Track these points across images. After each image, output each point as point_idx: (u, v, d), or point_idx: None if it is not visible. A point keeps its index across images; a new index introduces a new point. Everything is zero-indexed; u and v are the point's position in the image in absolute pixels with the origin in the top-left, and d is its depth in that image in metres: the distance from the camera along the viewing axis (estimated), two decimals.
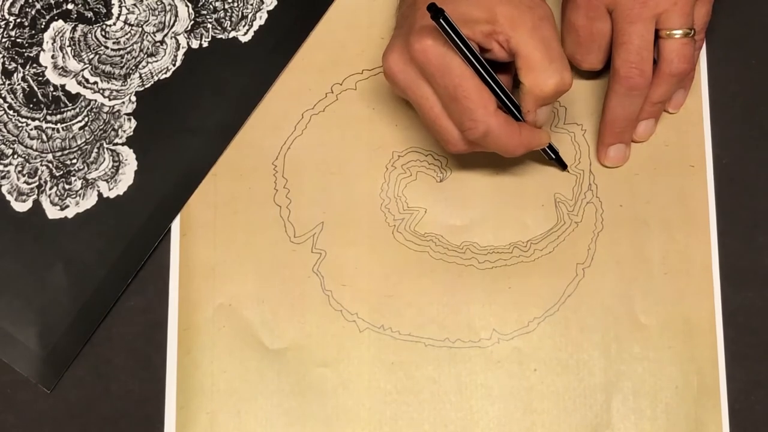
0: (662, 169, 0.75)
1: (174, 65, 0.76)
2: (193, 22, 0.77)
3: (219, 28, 0.77)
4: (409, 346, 0.73)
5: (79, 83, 0.76)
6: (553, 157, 0.74)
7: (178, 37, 0.77)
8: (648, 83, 0.71)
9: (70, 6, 0.77)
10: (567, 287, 0.73)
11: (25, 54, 0.76)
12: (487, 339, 0.73)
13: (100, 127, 0.75)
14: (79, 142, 0.75)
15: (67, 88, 0.76)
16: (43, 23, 0.77)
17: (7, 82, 0.76)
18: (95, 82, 0.76)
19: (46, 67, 0.76)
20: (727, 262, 0.74)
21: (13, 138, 0.75)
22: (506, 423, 0.72)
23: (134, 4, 0.77)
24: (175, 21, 0.77)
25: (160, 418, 0.72)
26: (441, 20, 0.64)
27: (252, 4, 0.77)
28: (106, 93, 0.76)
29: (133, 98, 0.76)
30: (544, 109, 0.68)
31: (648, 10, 0.69)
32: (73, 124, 0.75)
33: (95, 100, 0.76)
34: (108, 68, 0.76)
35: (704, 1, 0.72)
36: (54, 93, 0.76)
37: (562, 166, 0.75)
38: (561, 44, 0.72)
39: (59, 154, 0.75)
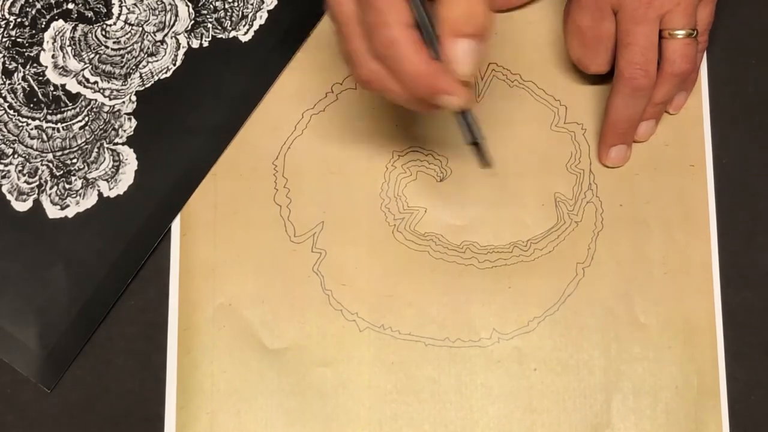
0: (662, 169, 0.75)
1: (174, 65, 0.76)
2: (193, 21, 0.77)
3: (219, 27, 0.77)
4: (409, 345, 0.73)
5: (80, 83, 0.76)
6: (468, 135, 0.65)
7: (178, 36, 0.77)
8: (653, 84, 0.71)
9: (70, 6, 0.77)
10: (567, 287, 0.73)
11: (26, 53, 0.76)
12: (487, 339, 0.73)
13: (101, 127, 0.75)
14: (79, 142, 0.75)
15: (67, 87, 0.76)
16: (44, 23, 0.77)
17: (8, 81, 0.76)
18: (95, 82, 0.76)
19: (46, 67, 0.76)
20: (727, 262, 0.74)
21: (14, 137, 0.75)
22: (506, 423, 0.72)
23: (134, 4, 0.77)
24: (175, 21, 0.77)
25: (160, 418, 0.72)
26: None
27: (252, 4, 0.77)
28: (107, 92, 0.76)
29: (134, 98, 0.76)
30: (464, 46, 0.60)
31: (653, 11, 0.69)
32: (74, 124, 0.75)
33: (95, 100, 0.76)
34: (108, 68, 0.76)
35: (707, 2, 0.71)
36: (54, 92, 0.76)
37: (481, 157, 0.67)
38: (567, 48, 0.73)
39: (59, 153, 0.75)
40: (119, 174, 0.75)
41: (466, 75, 0.61)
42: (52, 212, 0.74)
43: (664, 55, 0.71)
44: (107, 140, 0.75)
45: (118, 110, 0.76)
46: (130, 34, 0.77)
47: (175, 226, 0.74)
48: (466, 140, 0.65)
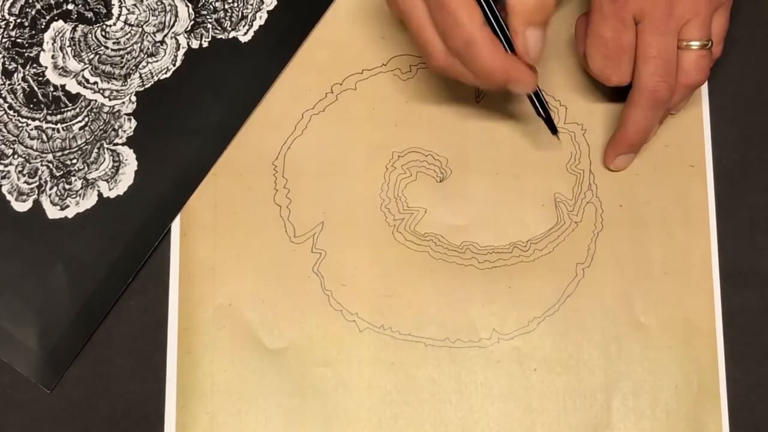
0: (662, 169, 0.75)
1: (174, 65, 0.76)
2: (193, 22, 0.77)
3: (219, 28, 0.77)
4: (409, 346, 0.73)
5: (80, 83, 0.76)
6: (541, 110, 0.72)
7: (178, 37, 0.77)
8: (673, 95, 0.71)
9: (70, 6, 0.77)
10: (567, 287, 0.73)
11: (26, 54, 0.76)
12: (487, 339, 0.73)
13: (101, 127, 0.75)
14: (79, 142, 0.75)
15: (67, 88, 0.76)
16: (44, 23, 0.77)
17: (8, 82, 0.76)
18: (95, 82, 0.76)
19: (46, 67, 0.76)
20: (727, 262, 0.74)
21: (14, 138, 0.75)
22: (506, 423, 0.72)
23: (134, 5, 0.77)
24: (175, 21, 0.77)
25: (160, 418, 0.72)
26: None
27: (252, 5, 0.77)
28: (107, 93, 0.76)
29: (134, 98, 0.76)
30: (534, 33, 0.67)
31: (674, 22, 0.69)
32: (74, 124, 0.75)
33: (95, 100, 0.76)
34: (108, 68, 0.76)
35: (722, 11, 0.71)
36: (54, 93, 0.76)
37: (552, 127, 0.73)
38: (586, 60, 0.72)
39: (59, 154, 0.75)
40: (119, 174, 0.75)
41: (537, 60, 0.68)
42: (52, 213, 0.74)
43: (679, 66, 0.70)
44: (107, 141, 0.75)
45: (118, 111, 0.76)
46: (129, 34, 0.77)
47: (175, 226, 0.74)
48: (539, 114, 0.72)
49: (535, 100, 0.71)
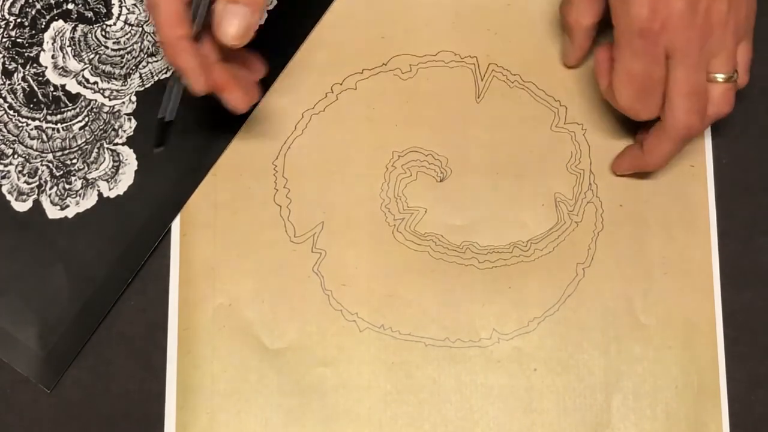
0: (662, 169, 0.75)
1: None
2: None
3: None
4: (409, 346, 0.73)
5: (80, 83, 0.76)
6: (164, 109, 0.67)
7: None
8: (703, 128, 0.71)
9: (70, 6, 0.77)
10: (567, 287, 0.73)
11: (26, 54, 0.76)
12: (487, 339, 0.73)
13: (101, 127, 0.75)
14: (79, 142, 0.75)
15: (67, 88, 0.76)
16: (44, 23, 0.77)
17: (8, 82, 0.76)
18: (95, 82, 0.76)
19: (46, 67, 0.76)
20: (727, 262, 0.74)
21: (14, 138, 0.75)
22: (506, 423, 0.72)
23: (134, 4, 0.77)
24: None
25: (160, 418, 0.72)
26: None
27: None
28: (107, 93, 0.76)
29: (134, 98, 0.76)
30: (233, 8, 0.65)
31: (705, 56, 0.68)
32: (74, 124, 0.75)
33: (95, 100, 0.76)
34: (108, 68, 0.76)
35: (746, 42, 0.70)
36: (54, 93, 0.76)
37: (158, 138, 0.68)
38: (614, 95, 0.70)
39: (59, 154, 0.75)
40: (119, 174, 0.75)
41: (229, 36, 0.65)
42: (52, 212, 0.74)
43: (708, 98, 0.70)
44: (107, 140, 0.75)
45: (118, 110, 0.76)
46: (130, 34, 0.77)
47: (175, 226, 0.74)
48: (159, 112, 0.68)
49: (167, 94, 0.68)
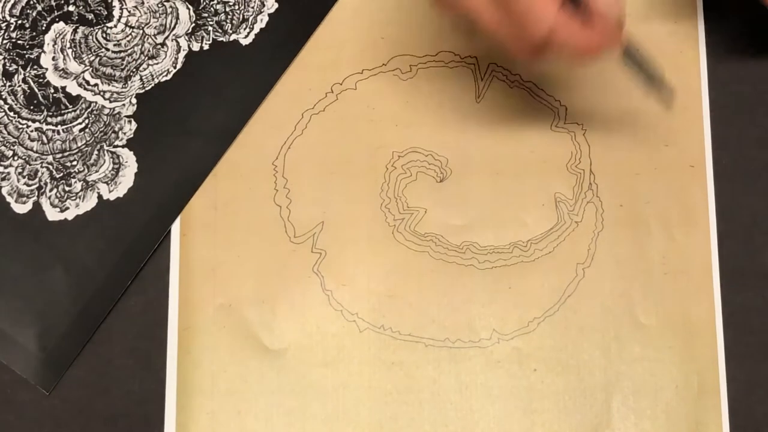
0: (662, 169, 0.75)
1: (175, 68, 0.77)
2: (194, 24, 0.77)
3: (220, 30, 0.77)
4: (410, 346, 0.73)
5: (80, 85, 0.76)
6: (640, 69, 0.67)
7: (179, 39, 0.77)
8: None
9: (71, 8, 0.77)
10: (567, 287, 0.73)
11: (26, 56, 0.76)
12: (487, 339, 0.73)
13: (101, 129, 0.75)
14: (79, 144, 0.75)
15: (67, 90, 0.76)
16: (44, 25, 0.77)
17: (8, 83, 0.76)
18: (96, 84, 0.76)
19: (46, 69, 0.76)
20: (726, 262, 0.74)
21: (14, 140, 0.75)
22: (506, 423, 0.72)
23: (135, 7, 0.77)
24: (176, 23, 0.77)
25: (160, 418, 0.72)
26: None
27: (253, 7, 0.78)
28: (107, 95, 0.76)
29: (134, 100, 0.76)
30: None
31: None
32: (74, 126, 0.75)
33: (96, 102, 0.76)
34: (109, 70, 0.76)
35: None
36: (54, 95, 0.76)
37: (660, 88, 0.69)
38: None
39: (59, 156, 0.75)
40: (119, 176, 0.75)
41: (617, 14, 0.62)
42: (52, 214, 0.74)
43: None
44: (107, 143, 0.75)
45: (119, 113, 0.76)
46: (130, 36, 0.77)
47: (175, 226, 0.74)
48: (639, 75, 0.68)
49: (632, 54, 0.67)
